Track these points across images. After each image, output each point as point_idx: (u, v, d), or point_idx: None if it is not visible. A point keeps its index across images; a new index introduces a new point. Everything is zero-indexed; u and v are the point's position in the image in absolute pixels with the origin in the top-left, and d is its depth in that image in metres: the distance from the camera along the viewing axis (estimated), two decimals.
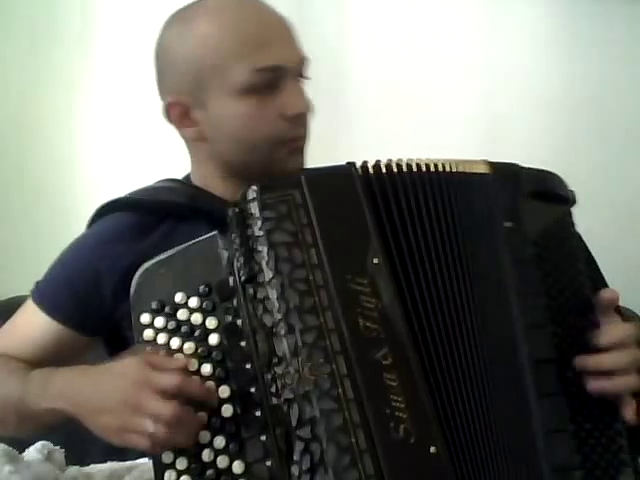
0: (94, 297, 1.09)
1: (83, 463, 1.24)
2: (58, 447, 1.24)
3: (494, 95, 1.83)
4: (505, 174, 0.97)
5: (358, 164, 0.93)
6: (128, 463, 1.23)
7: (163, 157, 1.78)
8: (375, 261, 0.87)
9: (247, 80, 1.02)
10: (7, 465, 1.13)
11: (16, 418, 1.03)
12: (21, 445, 1.22)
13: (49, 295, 1.11)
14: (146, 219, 1.10)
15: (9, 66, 1.85)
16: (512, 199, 0.95)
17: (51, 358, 1.08)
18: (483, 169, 0.97)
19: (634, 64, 1.80)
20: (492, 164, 0.97)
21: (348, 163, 0.93)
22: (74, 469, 1.21)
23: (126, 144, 1.85)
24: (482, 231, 0.93)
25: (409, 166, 0.93)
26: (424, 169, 0.94)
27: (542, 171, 1.00)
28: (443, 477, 0.80)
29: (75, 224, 1.79)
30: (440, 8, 1.83)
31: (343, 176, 0.92)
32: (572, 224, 0.98)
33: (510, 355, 0.88)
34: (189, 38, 1.05)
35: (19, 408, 1.01)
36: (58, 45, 1.85)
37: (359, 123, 1.59)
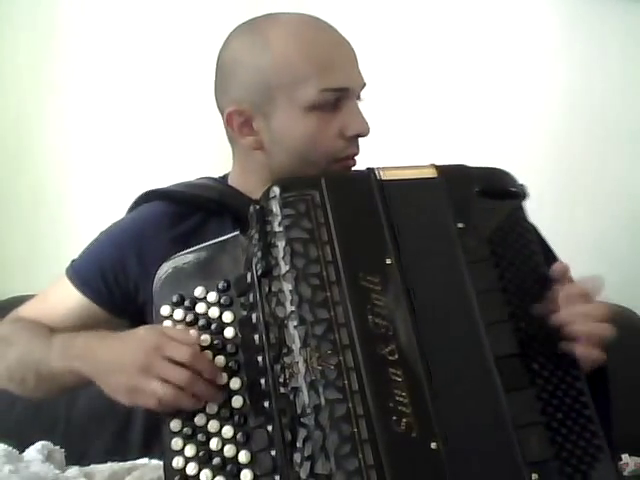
0: (121, 279, 1.17)
1: (83, 463, 1.30)
2: (58, 447, 1.30)
3: (494, 97, 1.87)
4: (454, 176, 1.02)
5: (376, 169, 1.00)
6: (128, 463, 1.29)
7: (160, 162, 1.86)
8: (388, 261, 0.93)
9: (314, 98, 1.09)
10: (7, 465, 1.19)
11: (35, 377, 1.10)
12: (21, 445, 1.28)
13: (81, 272, 1.20)
14: (180, 210, 1.19)
15: (8, 74, 1.92)
16: (462, 200, 1.00)
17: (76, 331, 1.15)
18: (431, 173, 1.02)
19: (634, 64, 1.84)
20: (439, 167, 1.03)
21: (368, 169, 1.01)
22: (74, 469, 1.26)
23: (122, 150, 1.91)
24: (437, 234, 0.99)
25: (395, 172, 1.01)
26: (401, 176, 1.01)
27: (491, 169, 1.06)
28: (441, 474, 0.84)
29: (73, 225, 1.88)
30: (440, 10, 1.88)
31: (361, 180, 0.99)
32: (524, 218, 1.03)
33: (475, 353, 0.92)
34: (262, 51, 1.11)
35: (39, 368, 1.09)
36: (58, 54, 1.91)
37: None
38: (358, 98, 1.16)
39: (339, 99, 1.12)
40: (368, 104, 1.16)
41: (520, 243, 1.00)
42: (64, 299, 1.20)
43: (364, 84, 1.16)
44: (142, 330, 1.00)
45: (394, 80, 1.86)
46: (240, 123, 1.15)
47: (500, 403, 0.89)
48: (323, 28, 1.15)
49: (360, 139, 1.15)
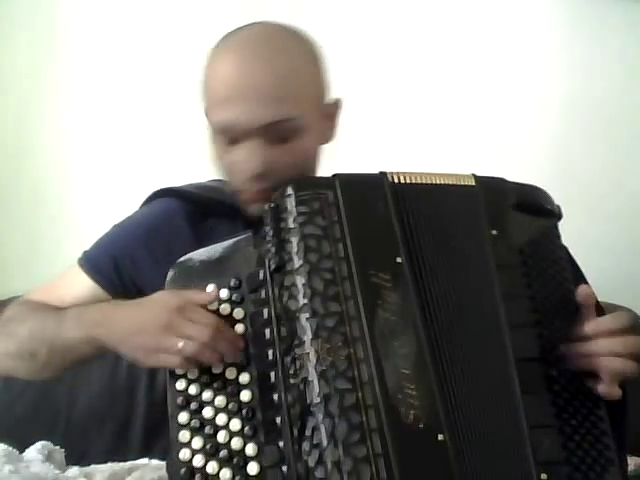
0: (134, 273, 1.22)
1: (83, 463, 1.32)
2: (58, 447, 1.32)
3: (493, 97, 1.92)
4: (491, 187, 1.09)
5: (389, 173, 1.06)
6: (129, 464, 1.31)
7: (160, 163, 1.91)
8: (398, 260, 0.99)
9: (210, 127, 1.15)
10: (7, 465, 1.21)
11: (48, 351, 1.13)
12: (21, 445, 1.30)
13: (94, 260, 1.24)
14: (194, 210, 1.24)
15: (8, 73, 1.96)
16: (498, 210, 1.06)
17: None
18: (470, 182, 1.09)
19: (634, 64, 1.90)
20: (479, 177, 1.09)
21: (380, 172, 1.06)
22: (74, 469, 1.28)
23: (123, 150, 1.96)
24: (469, 238, 1.05)
25: (420, 177, 1.07)
26: (429, 181, 1.07)
27: (528, 185, 1.12)
28: (448, 464, 0.89)
29: (73, 225, 1.91)
30: (438, 11, 1.93)
31: (373, 181, 1.05)
32: (558, 236, 1.09)
33: (496, 353, 0.98)
34: (206, 65, 1.18)
35: (52, 340, 1.11)
36: (58, 54, 1.96)
37: (358, 126, 1.67)
38: (274, 136, 1.13)
39: (234, 135, 1.12)
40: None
41: (551, 259, 1.06)
42: (74, 287, 1.24)
43: (269, 124, 1.11)
44: (161, 293, 1.04)
45: (394, 79, 1.91)
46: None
47: (516, 402, 0.95)
48: (235, 59, 1.13)
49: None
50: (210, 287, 1.05)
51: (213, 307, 1.02)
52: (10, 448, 1.29)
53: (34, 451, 1.31)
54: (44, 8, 1.98)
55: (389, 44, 1.93)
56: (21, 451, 1.30)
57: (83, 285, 1.24)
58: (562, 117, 1.91)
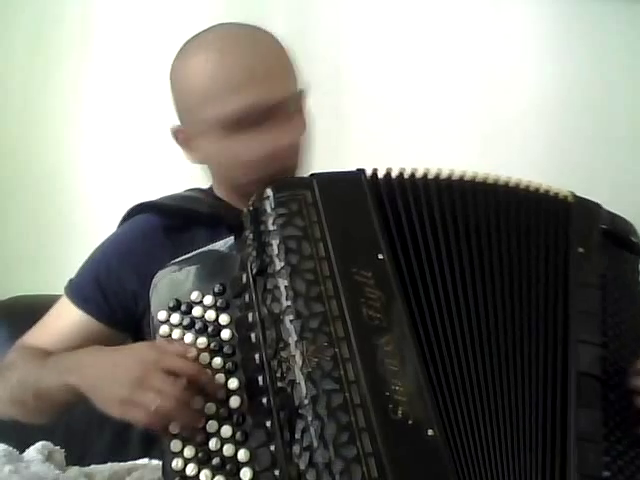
0: (120, 292, 1.20)
1: (83, 463, 1.31)
2: (58, 447, 1.32)
3: (491, 99, 1.92)
4: (586, 207, 1.11)
5: (368, 171, 1.05)
6: (129, 464, 1.30)
7: (163, 161, 1.85)
8: (380, 257, 0.97)
9: (218, 121, 1.12)
10: (7, 465, 1.20)
11: (34, 398, 1.11)
12: (21, 445, 1.29)
13: (80, 289, 1.22)
14: (173, 223, 1.22)
15: (11, 70, 1.95)
16: (588, 230, 1.08)
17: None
18: (567, 197, 1.12)
19: (631, 64, 1.90)
20: (576, 196, 1.12)
21: (358, 169, 1.05)
22: (74, 469, 1.28)
23: (128, 147, 1.94)
24: (553, 247, 1.06)
25: (419, 174, 1.06)
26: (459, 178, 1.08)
27: (619, 216, 1.14)
28: (439, 459, 0.88)
29: (75, 226, 1.91)
30: (438, 12, 1.92)
31: (352, 180, 1.04)
32: (638, 272, 1.10)
33: (558, 360, 0.98)
34: (179, 72, 1.17)
35: (36, 389, 1.10)
36: (59, 51, 1.95)
37: (358, 127, 1.65)
38: (290, 108, 1.15)
39: (252, 118, 1.12)
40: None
41: (629, 291, 1.08)
42: (65, 319, 1.22)
43: (289, 97, 1.14)
44: (139, 344, 1.02)
45: (392, 82, 1.91)
46: (183, 140, 1.20)
47: (564, 411, 0.95)
48: (232, 48, 1.13)
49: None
50: (194, 294, 1.04)
51: (192, 355, 0.99)
52: (10, 448, 1.28)
53: (34, 451, 1.30)
54: (50, 6, 1.96)
55: (389, 51, 1.92)
56: (21, 451, 1.30)
57: (72, 315, 1.22)
58: (562, 117, 1.92)
